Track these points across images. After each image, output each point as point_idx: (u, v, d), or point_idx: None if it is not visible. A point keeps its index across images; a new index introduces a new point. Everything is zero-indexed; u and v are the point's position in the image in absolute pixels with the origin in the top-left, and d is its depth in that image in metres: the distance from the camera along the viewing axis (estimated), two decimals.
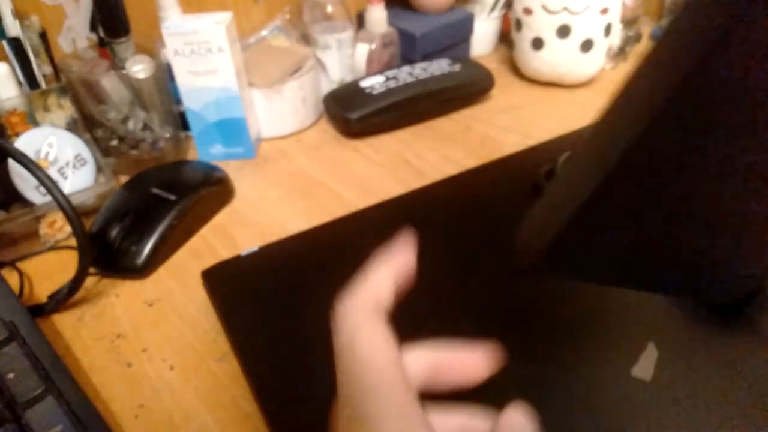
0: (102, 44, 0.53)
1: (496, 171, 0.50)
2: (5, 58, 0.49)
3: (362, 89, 0.59)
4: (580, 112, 0.60)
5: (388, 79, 0.59)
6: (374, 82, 0.59)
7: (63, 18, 0.55)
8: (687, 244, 0.11)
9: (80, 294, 0.41)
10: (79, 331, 0.39)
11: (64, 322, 0.39)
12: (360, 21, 0.67)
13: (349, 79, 0.66)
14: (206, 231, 0.47)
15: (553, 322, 0.35)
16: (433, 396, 0.20)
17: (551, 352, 0.33)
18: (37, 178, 0.37)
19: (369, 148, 0.57)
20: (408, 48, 0.66)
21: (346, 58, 0.65)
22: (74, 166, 0.48)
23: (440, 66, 0.61)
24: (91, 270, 0.42)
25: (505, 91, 0.66)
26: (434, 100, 0.60)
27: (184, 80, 0.52)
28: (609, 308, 0.36)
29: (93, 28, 0.55)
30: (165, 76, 0.54)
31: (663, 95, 0.09)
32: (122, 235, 0.43)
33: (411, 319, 0.36)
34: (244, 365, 0.34)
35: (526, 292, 0.37)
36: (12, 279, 0.43)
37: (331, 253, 0.42)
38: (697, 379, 0.31)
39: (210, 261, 0.43)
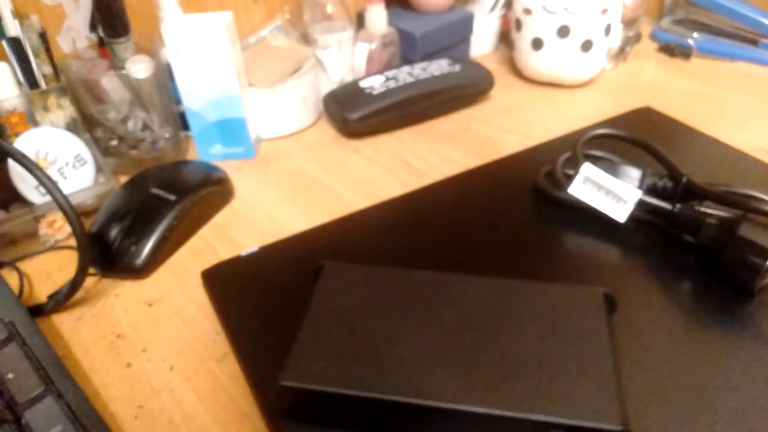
0: (102, 44, 0.53)
1: (496, 171, 0.50)
2: (5, 58, 0.49)
3: (362, 89, 0.59)
4: (580, 113, 0.60)
5: (388, 79, 0.59)
6: (374, 82, 0.59)
7: (63, 18, 0.55)
8: None
9: (80, 294, 0.41)
10: (78, 331, 0.39)
11: (63, 322, 0.39)
12: (360, 21, 0.67)
13: (349, 79, 0.66)
14: (206, 231, 0.47)
15: (554, 327, 0.35)
16: None
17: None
18: (37, 178, 0.37)
19: (369, 148, 0.57)
20: (408, 48, 0.66)
21: (346, 58, 0.65)
22: (74, 166, 0.48)
23: (440, 66, 0.61)
24: (91, 270, 0.42)
25: (504, 91, 0.66)
26: (434, 100, 0.60)
27: (184, 80, 0.52)
28: None
29: (93, 27, 0.55)
30: (165, 76, 0.54)
31: None
32: (122, 235, 0.43)
33: (411, 318, 0.36)
34: (244, 365, 0.34)
35: (525, 292, 0.37)
36: (12, 279, 0.43)
37: (331, 253, 0.42)
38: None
39: (210, 261, 0.43)
